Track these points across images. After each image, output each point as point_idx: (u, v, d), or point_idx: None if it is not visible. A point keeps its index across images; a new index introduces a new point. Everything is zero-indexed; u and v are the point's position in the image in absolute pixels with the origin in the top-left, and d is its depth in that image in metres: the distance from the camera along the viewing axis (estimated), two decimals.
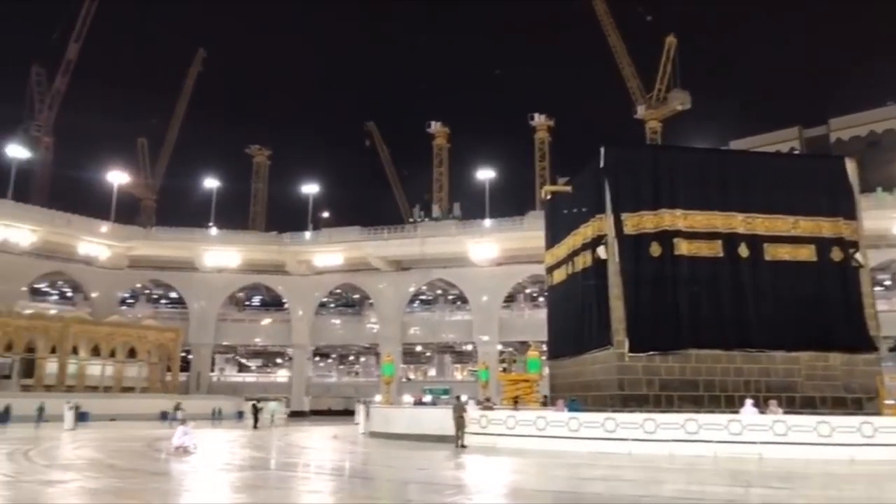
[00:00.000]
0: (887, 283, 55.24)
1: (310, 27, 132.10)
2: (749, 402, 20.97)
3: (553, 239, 30.44)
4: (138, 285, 67.82)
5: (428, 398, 49.27)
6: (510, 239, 57.61)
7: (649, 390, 23.03)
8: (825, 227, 25.25)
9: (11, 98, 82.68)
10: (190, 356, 64.41)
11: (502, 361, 55.58)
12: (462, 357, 70.95)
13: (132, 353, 55.07)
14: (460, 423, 22.30)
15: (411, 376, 70.11)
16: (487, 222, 61.11)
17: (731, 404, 22.29)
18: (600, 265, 24.47)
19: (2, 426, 36.39)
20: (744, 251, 24.55)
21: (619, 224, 24.32)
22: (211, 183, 72.70)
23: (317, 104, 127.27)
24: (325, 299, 68.86)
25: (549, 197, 32.92)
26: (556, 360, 30.03)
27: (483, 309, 60.76)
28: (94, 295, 62.48)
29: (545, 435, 21.64)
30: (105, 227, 61.74)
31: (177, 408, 40.19)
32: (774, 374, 23.55)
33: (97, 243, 60.86)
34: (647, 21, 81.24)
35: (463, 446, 21.88)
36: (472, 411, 23.92)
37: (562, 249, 28.86)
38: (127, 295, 67.98)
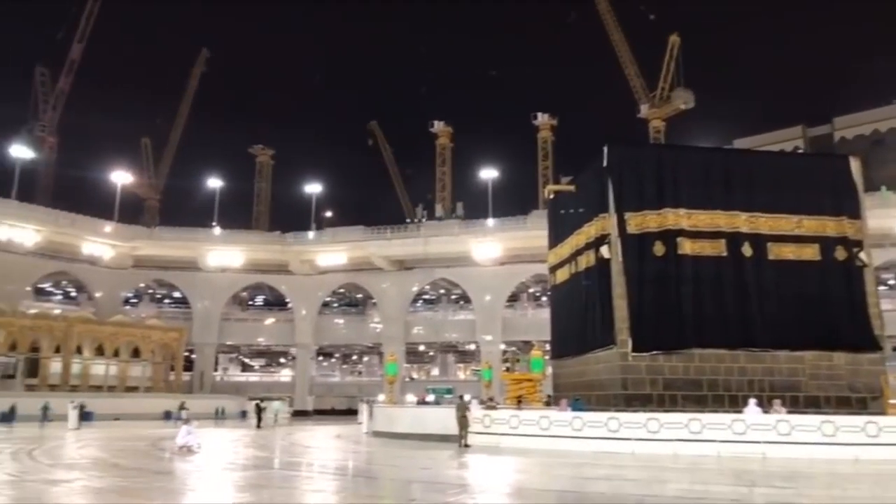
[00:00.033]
0: (891, 282, 55.08)
1: (313, 27, 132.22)
2: (753, 401, 20.94)
3: (556, 238, 30.42)
4: (142, 285, 67.94)
5: (431, 398, 49.36)
6: (513, 238, 57.56)
7: (653, 390, 23.00)
8: (829, 226, 25.19)
9: (16, 98, 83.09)
10: (193, 356, 64.52)
11: (505, 361, 55.52)
12: (465, 356, 70.96)
13: (136, 353, 55.19)
14: (463, 422, 22.31)
15: (414, 376, 70.13)
16: (490, 222, 61.08)
17: (734, 404, 22.24)
18: (603, 264, 24.45)
19: (7, 425, 36.49)
20: (747, 250, 24.49)
21: (622, 223, 24.28)
22: (214, 183, 72.81)
23: (320, 104, 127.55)
24: (328, 299, 68.91)
25: (552, 196, 32.90)
26: (560, 360, 30.00)
27: (486, 308, 60.75)
28: (97, 295, 62.62)
29: (548, 434, 21.63)
30: (109, 226, 61.88)
31: (181, 407, 40.27)
32: (778, 373, 23.50)
33: (101, 243, 61.00)
34: (650, 20, 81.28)
35: (466, 446, 21.89)
36: (476, 411, 23.91)
37: (565, 249, 28.83)
38: (131, 295, 68.13)
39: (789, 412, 20.85)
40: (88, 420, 39.37)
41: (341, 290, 69.80)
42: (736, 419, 19.95)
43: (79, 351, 51.87)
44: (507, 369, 42.10)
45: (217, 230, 68.04)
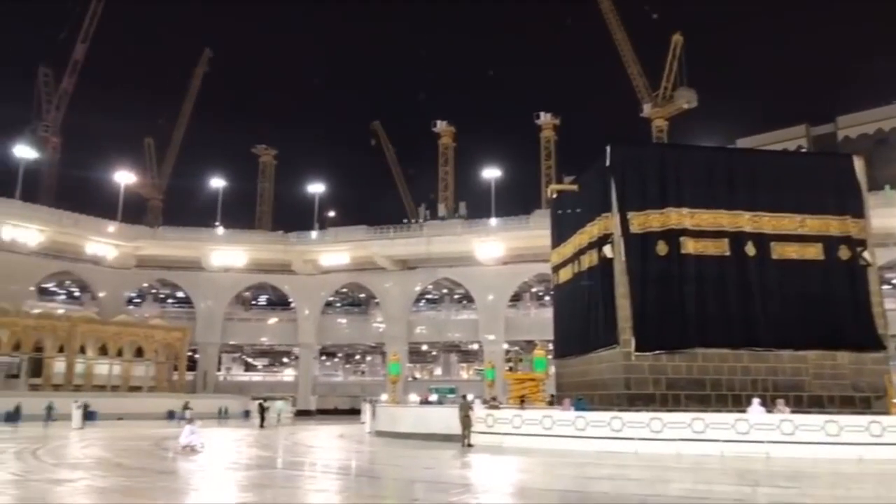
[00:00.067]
0: (895, 281, 54.93)
1: (313, 27, 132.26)
2: (756, 401, 20.92)
3: (559, 238, 30.41)
4: (145, 285, 68.03)
5: (434, 397, 49.25)
6: (516, 238, 57.55)
7: (656, 389, 22.98)
8: (833, 225, 25.14)
9: (19, 99, 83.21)
10: (196, 355, 64.63)
11: (508, 360, 55.45)
12: (468, 356, 70.94)
13: (139, 353, 55.29)
14: (466, 422, 22.30)
15: (417, 375, 70.12)
16: (493, 221, 61.08)
17: (738, 403, 22.22)
18: (606, 264, 24.43)
19: (12, 425, 36.58)
20: (751, 250, 24.46)
21: (625, 223, 24.26)
22: (217, 183, 72.87)
23: (323, 104, 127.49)
24: (331, 298, 68.94)
25: (554, 196, 32.90)
26: (563, 359, 30.00)
27: (489, 308, 60.75)
28: (101, 294, 62.74)
29: (551, 434, 21.63)
30: (112, 226, 62.01)
31: (185, 407, 40.29)
32: (782, 372, 23.48)
33: (104, 243, 61.13)
34: (653, 19, 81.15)
35: (469, 445, 21.89)
36: (479, 410, 23.90)
37: (568, 248, 28.82)
38: (134, 294, 68.22)
39: (793, 412, 20.83)
40: (92, 420, 39.43)
41: (344, 290, 69.84)
42: (739, 419, 19.93)
43: (82, 351, 51.98)
44: (510, 369, 41.98)
45: (220, 230, 68.14)
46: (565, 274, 29.25)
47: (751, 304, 24.01)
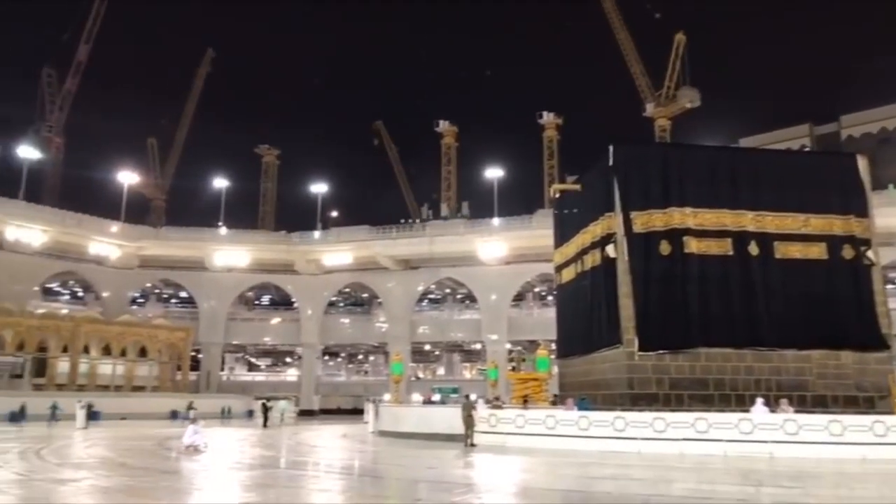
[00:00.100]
0: None
1: (315, 27, 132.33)
2: (760, 400, 20.87)
3: (562, 237, 30.39)
4: (148, 285, 68.14)
5: (437, 397, 49.21)
6: (519, 237, 57.51)
7: (659, 389, 22.96)
8: (836, 224, 25.08)
9: (23, 99, 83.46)
10: (200, 355, 64.71)
11: (511, 360, 55.57)
12: (471, 356, 70.91)
13: (143, 353, 55.37)
14: (469, 421, 22.30)
15: (420, 375, 70.14)
16: (496, 221, 61.05)
17: (741, 403, 22.18)
18: (609, 264, 24.41)
19: (17, 425, 36.67)
20: (754, 249, 24.42)
21: (628, 222, 24.24)
22: (220, 183, 73.04)
23: (325, 104, 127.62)
24: (334, 298, 68.95)
25: (557, 195, 32.87)
26: (566, 359, 29.98)
27: (492, 308, 60.72)
28: (104, 294, 62.87)
29: (554, 434, 21.62)
30: (115, 226, 62.12)
31: (189, 407, 40.39)
32: (785, 372, 23.43)
33: (108, 243, 61.22)
34: (655, 18, 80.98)
35: (472, 445, 21.89)
36: (482, 410, 23.91)
37: (571, 248, 28.80)
38: (137, 294, 68.31)
39: (796, 411, 20.79)
40: (96, 420, 39.52)
41: (347, 290, 69.86)
42: (743, 418, 19.89)
43: (86, 351, 52.10)
44: (513, 368, 42.11)
45: (223, 230, 68.23)
46: (568, 274, 29.22)
47: (754, 303, 23.96)
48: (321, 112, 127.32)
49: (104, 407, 43.38)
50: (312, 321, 65.67)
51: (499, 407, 25.19)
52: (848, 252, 24.92)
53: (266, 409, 39.70)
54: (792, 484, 14.23)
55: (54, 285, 65.01)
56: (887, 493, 13.81)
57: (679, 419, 20.34)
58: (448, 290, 68.14)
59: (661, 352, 23.21)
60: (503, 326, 59.92)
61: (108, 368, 53.34)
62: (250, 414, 52.04)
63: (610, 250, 24.33)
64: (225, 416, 51.53)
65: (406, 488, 14.49)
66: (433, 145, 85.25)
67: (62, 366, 50.46)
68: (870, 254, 25.12)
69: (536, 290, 64.34)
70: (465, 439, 22.14)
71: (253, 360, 77.05)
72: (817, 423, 19.23)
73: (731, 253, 24.36)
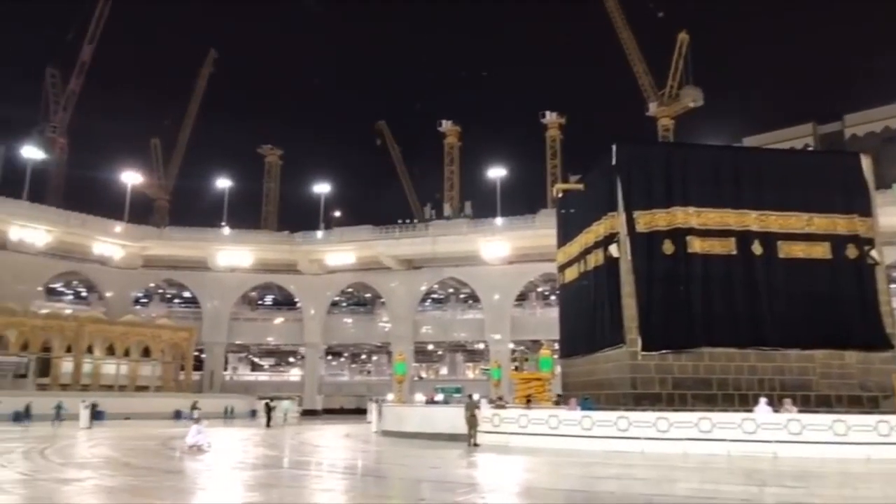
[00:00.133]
0: None
1: (319, 27, 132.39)
2: (763, 400, 20.85)
3: (565, 237, 30.38)
4: (152, 285, 68.29)
5: (440, 397, 49.27)
6: (522, 237, 57.49)
7: (662, 389, 22.94)
8: (840, 224, 25.05)
9: (27, 100, 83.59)
10: (203, 355, 64.78)
11: (514, 360, 55.50)
12: (474, 356, 70.92)
13: (146, 353, 55.46)
14: (472, 421, 22.31)
15: (423, 375, 70.17)
16: (499, 221, 61.03)
17: (744, 403, 22.17)
18: (612, 263, 24.40)
19: (23, 424, 36.75)
20: (757, 249, 24.39)
21: (631, 222, 24.23)
22: (223, 183, 73.12)
23: (328, 104, 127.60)
24: (336, 298, 69.02)
25: (560, 195, 32.84)
26: (569, 359, 29.97)
27: (495, 307, 60.70)
28: (108, 294, 63.01)
29: (558, 433, 21.61)
30: (119, 227, 62.26)
31: (193, 406, 40.42)
32: (789, 372, 23.40)
33: (111, 243, 61.38)
34: (658, 17, 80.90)
35: (475, 445, 21.89)
36: (485, 410, 23.92)
37: (574, 247, 28.79)
38: (141, 294, 68.48)
39: (800, 411, 20.75)
40: (100, 419, 39.62)
41: (350, 290, 69.92)
42: (746, 418, 19.86)
43: (90, 351, 52.19)
44: (516, 368, 42.02)
45: (226, 230, 68.32)
46: (571, 273, 29.21)
47: (757, 303, 23.94)
48: (324, 112, 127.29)
49: (108, 407, 43.49)
50: (315, 321, 65.73)
51: (502, 407, 25.21)
52: (852, 251, 24.88)
53: (269, 409, 39.76)
54: (796, 484, 14.21)
55: (58, 285, 65.18)
56: (891, 492, 13.77)
57: (682, 419, 20.32)
58: (451, 290, 68.14)
59: (664, 351, 23.20)
60: (506, 326, 59.89)
61: (111, 368, 53.46)
62: (253, 414, 52.12)
63: (613, 250, 24.32)
64: (228, 415, 51.61)
65: (409, 488, 14.49)
66: (436, 145, 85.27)
67: (66, 366, 50.57)
68: (873, 253, 25.07)
69: (539, 289, 64.33)
70: (468, 439, 22.15)
71: (256, 359, 77.14)
72: (821, 423, 19.19)
73: (734, 252, 24.34)
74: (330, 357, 73.65)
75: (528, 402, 26.67)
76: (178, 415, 46.20)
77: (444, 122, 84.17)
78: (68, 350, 50.72)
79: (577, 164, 65.91)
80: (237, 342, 68.29)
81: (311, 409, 60.70)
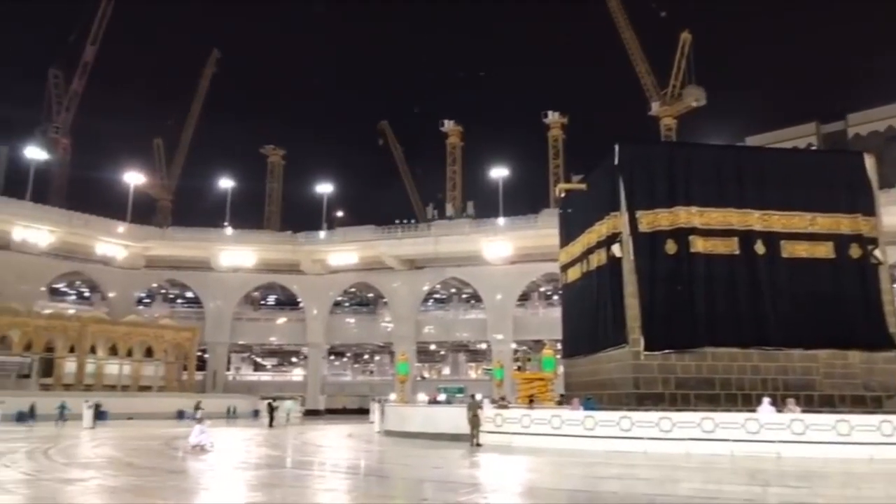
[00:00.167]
0: None
1: (320, 27, 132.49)
2: (766, 400, 20.80)
3: (567, 237, 30.35)
4: (155, 285, 68.40)
5: (443, 397, 49.36)
6: (524, 237, 57.48)
7: (665, 389, 22.90)
8: (843, 223, 24.98)
9: (30, 100, 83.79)
10: (206, 355, 64.89)
11: (517, 360, 55.46)
12: (476, 356, 70.96)
13: (149, 353, 55.58)
14: (475, 421, 22.31)
15: (426, 375, 70.21)
16: (501, 220, 61.03)
17: (748, 403, 22.11)
18: (615, 263, 24.37)
19: (27, 424, 36.81)
20: (760, 248, 24.33)
21: (633, 222, 24.19)
22: (226, 183, 73.18)
23: (331, 104, 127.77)
24: (339, 298, 69.09)
25: (563, 195, 32.81)
26: (571, 359, 29.93)
27: (497, 307, 60.70)
28: (111, 295, 63.13)
29: (560, 433, 21.59)
30: (122, 227, 62.37)
31: (197, 406, 40.45)
32: (792, 372, 23.35)
33: (114, 243, 61.50)
34: (661, 17, 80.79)
35: (478, 445, 21.89)
36: (487, 410, 23.90)
37: (576, 247, 28.77)
38: (144, 295, 68.60)
39: (803, 411, 20.70)
40: (103, 419, 39.69)
41: (352, 290, 69.98)
42: (749, 418, 19.83)
43: (93, 351, 52.29)
44: (519, 368, 42.02)
45: (229, 230, 68.40)
46: (574, 273, 29.19)
47: (761, 302, 23.88)
48: (326, 112, 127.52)
49: (111, 407, 43.61)
50: (318, 321, 65.78)
51: (504, 407, 25.19)
52: (855, 251, 24.80)
53: (272, 409, 39.79)
54: (799, 484, 14.19)
55: (61, 285, 65.33)
56: (894, 492, 13.74)
57: (685, 419, 20.29)
58: (453, 290, 68.17)
59: (666, 351, 23.15)
60: (509, 326, 59.90)
61: (114, 368, 53.57)
62: (256, 414, 52.17)
63: (615, 250, 24.28)
64: (230, 415, 51.67)
65: (412, 488, 14.49)
66: (438, 145, 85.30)
67: (69, 366, 50.69)
68: (877, 253, 25.00)
69: (542, 289, 64.33)
70: (470, 439, 22.15)
71: (259, 359, 77.24)
72: (824, 423, 19.15)
73: (737, 252, 24.28)
74: (332, 357, 73.72)
75: (531, 402, 26.68)
76: (180, 415, 46.25)
77: (446, 121, 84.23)
78: (71, 350, 50.82)
79: (579, 164, 65.95)
80: (240, 342, 68.39)
81: (314, 409, 60.79)
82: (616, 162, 25.16)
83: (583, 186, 29.35)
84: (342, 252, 64.22)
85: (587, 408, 22.70)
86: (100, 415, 38.46)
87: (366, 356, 77.26)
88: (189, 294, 68.93)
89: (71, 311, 59.38)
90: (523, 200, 74.37)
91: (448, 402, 42.81)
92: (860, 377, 23.55)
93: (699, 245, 24.14)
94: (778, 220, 24.69)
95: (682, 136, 76.43)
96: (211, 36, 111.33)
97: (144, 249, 63.78)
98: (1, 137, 77.10)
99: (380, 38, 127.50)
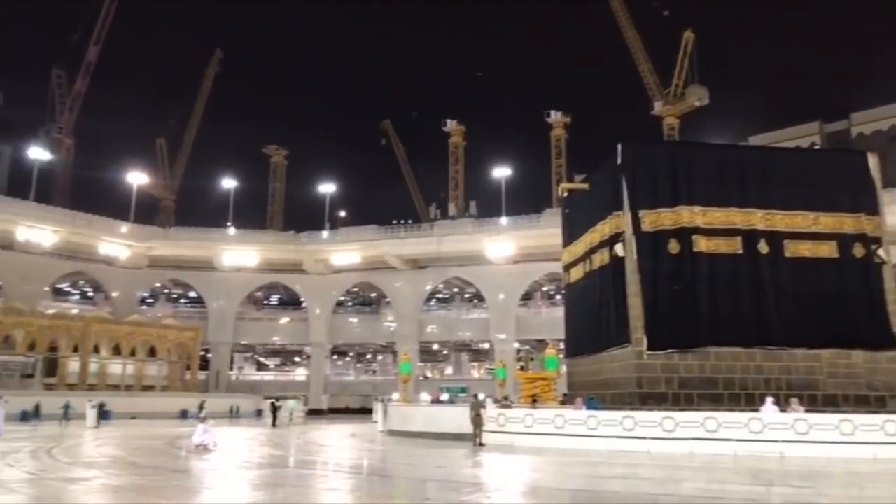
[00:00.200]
0: None
1: (320, 27, 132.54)
2: (770, 400, 20.78)
3: (570, 236, 30.34)
4: (158, 285, 68.47)
5: (445, 396, 49.26)
6: (527, 237, 57.45)
7: (668, 388, 22.88)
8: (847, 222, 24.94)
9: (33, 101, 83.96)
10: (209, 355, 64.95)
11: (519, 360, 55.40)
12: (479, 355, 70.95)
13: (152, 352, 55.63)
14: (478, 421, 22.32)
15: (428, 374, 70.21)
16: (504, 220, 61.01)
17: (751, 402, 22.09)
18: (618, 263, 24.35)
19: (31, 424, 36.88)
20: (763, 248, 24.31)
21: (636, 221, 24.17)
22: (229, 183, 73.23)
23: (333, 104, 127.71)
24: (342, 298, 69.11)
25: (565, 194, 32.80)
26: (574, 359, 29.92)
27: (500, 307, 60.69)
28: (114, 294, 63.23)
29: (563, 433, 21.59)
30: (125, 227, 62.47)
31: (201, 406, 40.46)
32: (795, 371, 23.31)
33: (117, 243, 61.59)
34: (663, 16, 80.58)
35: (481, 444, 21.90)
36: (490, 410, 23.91)
37: (579, 247, 28.75)
38: (147, 294, 68.66)
39: (807, 411, 20.68)
40: (106, 419, 39.76)
41: (355, 290, 69.99)
42: (753, 418, 19.81)
43: (96, 350, 52.36)
44: (522, 368, 41.96)
45: (232, 230, 68.48)
46: (576, 273, 29.17)
47: (764, 302, 23.85)
48: (329, 112, 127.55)
49: (114, 406, 43.65)
50: (321, 321, 65.83)
51: (507, 406, 25.19)
52: (858, 250, 24.77)
53: (275, 409, 39.83)
54: (802, 483, 14.16)
55: (64, 285, 65.46)
56: None
57: (688, 418, 20.28)
58: (456, 290, 68.17)
59: (669, 351, 23.13)
60: (511, 326, 59.89)
61: (118, 368, 53.62)
62: (259, 413, 52.21)
63: (618, 249, 24.28)
64: (234, 415, 51.71)
65: (415, 487, 14.50)
66: (441, 145, 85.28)
67: (73, 365, 50.74)
68: (881, 252, 24.96)
69: (545, 289, 64.29)
70: (473, 439, 22.15)
71: (262, 359, 77.31)
72: (828, 423, 19.13)
73: (740, 251, 24.25)
74: (335, 357, 73.78)
75: (534, 401, 26.69)
76: (184, 414, 46.29)
77: (448, 121, 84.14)
78: (75, 350, 50.90)
79: (581, 164, 65.97)
80: (243, 342, 68.46)
81: (317, 408, 60.82)
82: (619, 161, 25.14)
83: (585, 186, 29.33)
84: (345, 252, 64.25)
85: (590, 407, 22.71)
86: (103, 414, 38.55)
87: (368, 356, 77.29)
88: (192, 294, 69.00)
89: (74, 311, 59.46)
90: (526, 200, 74.37)
91: (451, 401, 42.74)
92: (864, 377, 23.51)
93: (702, 244, 24.12)
94: (781, 220, 24.65)
95: (684, 136, 76.33)
96: (212, 36, 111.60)
97: (147, 249, 63.86)
98: (5, 137, 77.38)
99: (380, 38, 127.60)
